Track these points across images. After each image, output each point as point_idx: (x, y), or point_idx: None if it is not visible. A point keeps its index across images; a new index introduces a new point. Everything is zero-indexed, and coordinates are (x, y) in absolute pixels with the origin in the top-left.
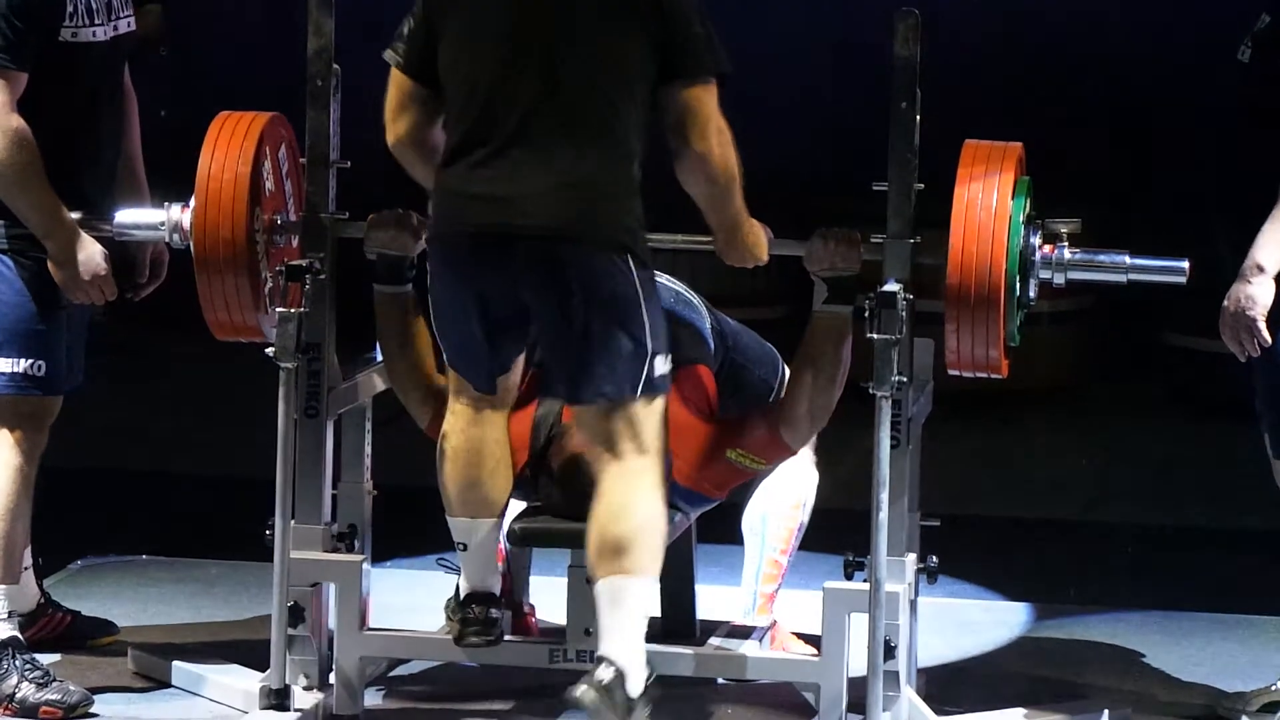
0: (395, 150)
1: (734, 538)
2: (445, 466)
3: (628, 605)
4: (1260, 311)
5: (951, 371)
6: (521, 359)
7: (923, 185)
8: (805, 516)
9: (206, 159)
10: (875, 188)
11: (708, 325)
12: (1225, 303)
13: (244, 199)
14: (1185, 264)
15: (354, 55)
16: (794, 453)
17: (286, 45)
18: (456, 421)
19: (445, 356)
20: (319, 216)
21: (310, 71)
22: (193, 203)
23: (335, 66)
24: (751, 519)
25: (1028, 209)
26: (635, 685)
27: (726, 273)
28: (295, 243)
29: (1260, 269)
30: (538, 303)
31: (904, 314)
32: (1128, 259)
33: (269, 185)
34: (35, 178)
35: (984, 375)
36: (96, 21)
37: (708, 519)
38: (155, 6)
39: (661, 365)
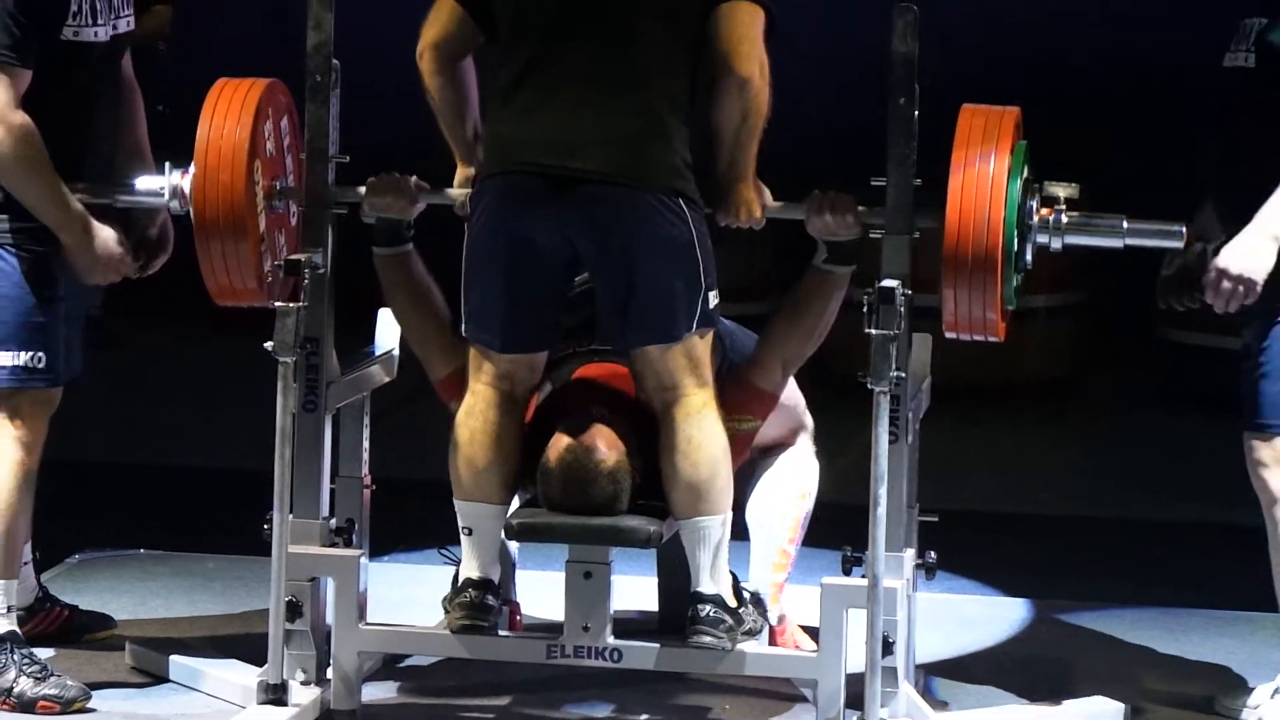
0: (421, 59)
1: (734, 532)
2: (460, 448)
3: (712, 542)
4: (1262, 275)
5: (948, 334)
6: (546, 348)
7: (920, 181)
8: (810, 506)
9: (206, 123)
10: (874, 183)
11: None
12: (1224, 262)
13: (243, 163)
14: (1183, 228)
15: (353, 50)
16: (775, 397)
17: (286, 42)
18: (476, 403)
19: (466, 325)
20: (317, 211)
21: (310, 66)
22: (192, 167)
23: (335, 62)
24: (756, 511)
25: (1025, 173)
26: (733, 606)
27: (721, 267)
28: (294, 208)
29: (1272, 235)
30: (590, 247)
31: (902, 309)
32: (1125, 223)
33: (269, 149)
34: (44, 172)
35: (981, 338)
36: (99, 21)
37: None
38: (164, 8)
39: (713, 298)
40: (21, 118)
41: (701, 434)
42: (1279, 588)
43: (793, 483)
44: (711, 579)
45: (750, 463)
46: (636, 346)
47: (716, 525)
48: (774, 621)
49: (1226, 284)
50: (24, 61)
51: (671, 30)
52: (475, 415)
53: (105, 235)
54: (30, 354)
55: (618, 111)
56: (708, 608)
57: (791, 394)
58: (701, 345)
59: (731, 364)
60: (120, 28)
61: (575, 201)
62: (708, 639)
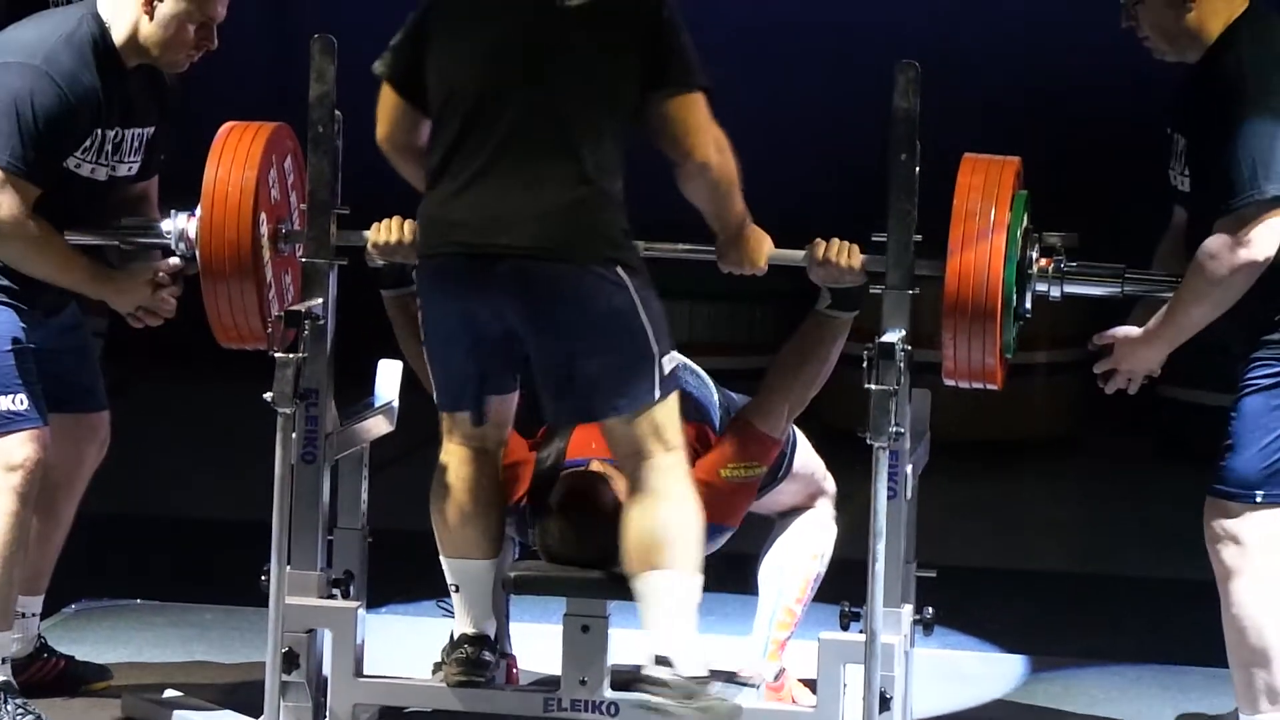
0: (382, 148)
1: (731, 586)
2: (438, 507)
3: (668, 598)
4: (1147, 373)
5: (947, 381)
6: (515, 396)
7: (921, 237)
8: (822, 567)
9: (213, 167)
10: (874, 239)
11: (715, 399)
12: (1118, 359)
13: (250, 205)
14: (1179, 278)
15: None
16: (779, 443)
17: (288, 84)
18: (450, 461)
19: (438, 397)
20: (317, 262)
21: (312, 117)
22: (199, 210)
23: (337, 113)
24: (769, 567)
25: (1025, 222)
26: (692, 670)
27: (724, 321)
28: (300, 250)
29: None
30: (528, 326)
31: (902, 365)
32: (1124, 272)
33: (274, 194)
34: (67, 267)
35: (980, 386)
36: (102, 161)
37: (705, 566)
38: None
39: (669, 363)
40: (35, 227)
41: (669, 488)
42: (1231, 658)
43: (807, 544)
44: (664, 637)
45: (768, 524)
46: (591, 421)
47: (671, 580)
48: (771, 677)
49: (1119, 379)
50: (37, 183)
51: (607, 105)
52: (451, 473)
53: (133, 291)
54: (11, 397)
55: (549, 184)
56: (655, 668)
57: (808, 462)
58: (665, 410)
59: (730, 415)
60: (120, 171)
61: (508, 280)
62: (649, 697)
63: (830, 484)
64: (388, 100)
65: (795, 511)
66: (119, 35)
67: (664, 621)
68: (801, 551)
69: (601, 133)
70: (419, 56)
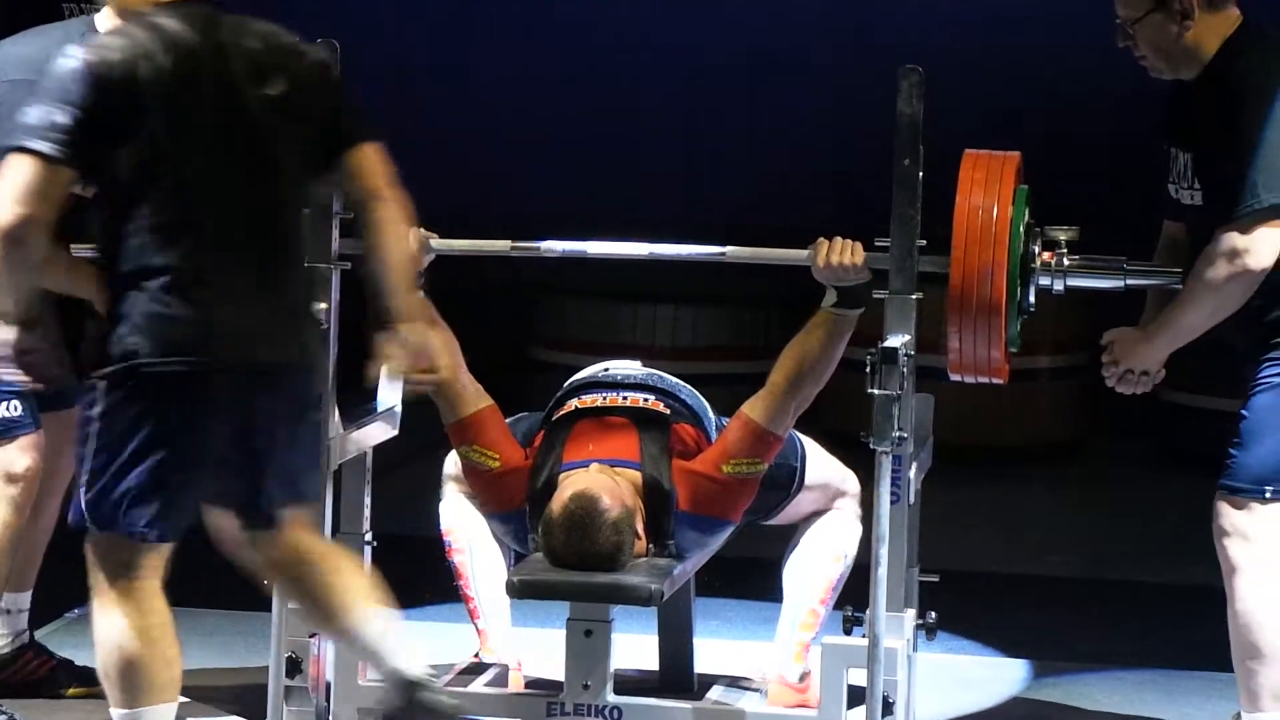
0: (19, 231)
1: (733, 591)
2: (135, 658)
3: (399, 628)
4: (1156, 370)
5: (954, 377)
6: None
7: (925, 242)
8: (846, 568)
9: None
10: (878, 243)
11: (711, 415)
12: (1128, 363)
13: None
14: (1181, 270)
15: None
16: (782, 440)
17: None
18: (146, 603)
19: (128, 513)
20: (319, 266)
21: None
22: None
23: None
24: (792, 570)
25: (1027, 217)
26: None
27: (728, 327)
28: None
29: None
30: (269, 430)
31: (905, 369)
32: (1125, 264)
33: None
34: (53, 263)
35: (985, 380)
36: None
37: (707, 572)
38: None
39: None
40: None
41: (338, 550)
42: (1235, 655)
43: (830, 545)
44: (418, 658)
45: (790, 529)
46: (303, 503)
47: (394, 615)
48: (796, 679)
49: (1118, 371)
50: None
51: (306, 191)
52: (151, 613)
53: None
54: (4, 404)
55: (290, 291)
56: (427, 679)
57: (821, 472)
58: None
59: (721, 421)
60: None
61: (261, 390)
62: (442, 699)
63: (851, 483)
64: (50, 181)
65: (818, 514)
66: None
67: (407, 644)
68: (824, 553)
69: (301, 237)
70: (105, 144)
